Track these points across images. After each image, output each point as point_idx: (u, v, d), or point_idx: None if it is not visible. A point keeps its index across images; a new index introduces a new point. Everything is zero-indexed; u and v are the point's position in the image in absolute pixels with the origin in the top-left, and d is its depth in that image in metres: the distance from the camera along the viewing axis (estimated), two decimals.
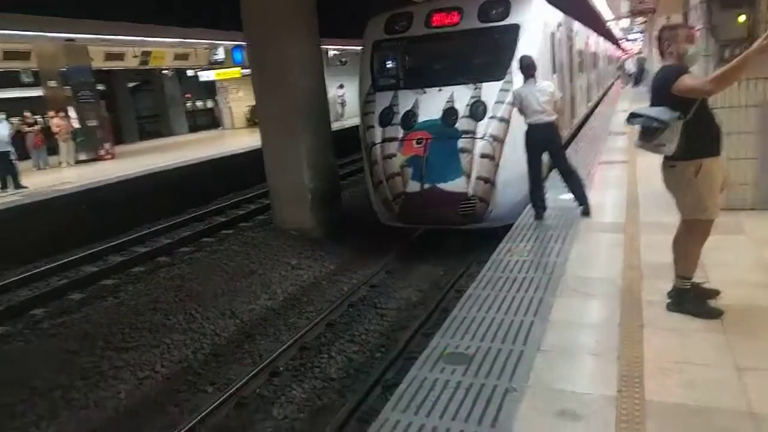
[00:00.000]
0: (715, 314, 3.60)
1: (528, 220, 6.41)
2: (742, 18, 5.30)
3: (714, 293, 3.84)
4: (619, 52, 42.91)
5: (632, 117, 3.59)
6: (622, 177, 7.87)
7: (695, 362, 3.14)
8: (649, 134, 3.49)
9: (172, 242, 10.39)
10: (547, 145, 6.33)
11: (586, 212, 6.21)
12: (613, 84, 33.32)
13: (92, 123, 16.25)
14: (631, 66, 33.21)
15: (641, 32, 27.98)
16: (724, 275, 4.21)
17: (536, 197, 6.46)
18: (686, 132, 3.36)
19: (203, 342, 6.32)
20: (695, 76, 3.38)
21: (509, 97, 7.84)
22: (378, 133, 8.37)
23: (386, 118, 8.40)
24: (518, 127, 7.69)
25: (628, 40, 36.20)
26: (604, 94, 25.13)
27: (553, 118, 6.21)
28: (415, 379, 3.27)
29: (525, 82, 6.32)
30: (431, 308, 6.64)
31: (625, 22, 24.31)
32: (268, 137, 10.22)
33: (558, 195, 6.98)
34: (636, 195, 6.66)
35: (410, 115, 8.23)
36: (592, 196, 6.95)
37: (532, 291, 4.32)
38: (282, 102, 9.65)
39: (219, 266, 8.33)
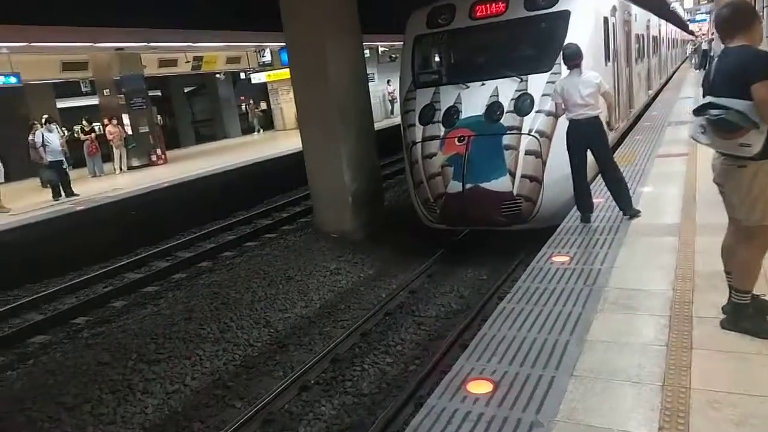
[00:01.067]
0: None
1: (573, 222, 5.97)
2: None
3: None
4: (684, 35, 40.79)
5: (709, 107, 3.00)
6: (681, 172, 7.26)
7: (752, 393, 2.70)
8: (726, 130, 2.93)
9: (216, 246, 10.44)
10: (591, 143, 5.75)
11: (633, 216, 5.69)
12: (678, 68, 31.67)
13: (144, 129, 16.67)
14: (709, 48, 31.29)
15: (707, 12, 26.36)
16: None
17: (581, 198, 5.97)
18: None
19: (236, 353, 6.21)
20: None
21: None
22: (418, 132, 8.09)
23: (427, 116, 8.11)
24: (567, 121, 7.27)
25: (694, 21, 34.22)
26: (668, 80, 23.85)
27: (597, 112, 5.65)
28: (432, 410, 2.97)
29: (570, 72, 5.76)
30: (471, 316, 6.29)
31: (689, 3, 22.88)
32: (308, 138, 10.09)
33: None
34: (694, 193, 6.09)
35: (452, 112, 7.90)
36: (647, 194, 6.46)
37: (570, 305, 3.93)
38: (322, 102, 9.48)
39: (258, 272, 8.24)
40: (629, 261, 4.60)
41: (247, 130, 30.20)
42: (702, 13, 29.24)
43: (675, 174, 7.28)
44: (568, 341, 3.42)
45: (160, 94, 28.42)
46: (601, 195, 6.67)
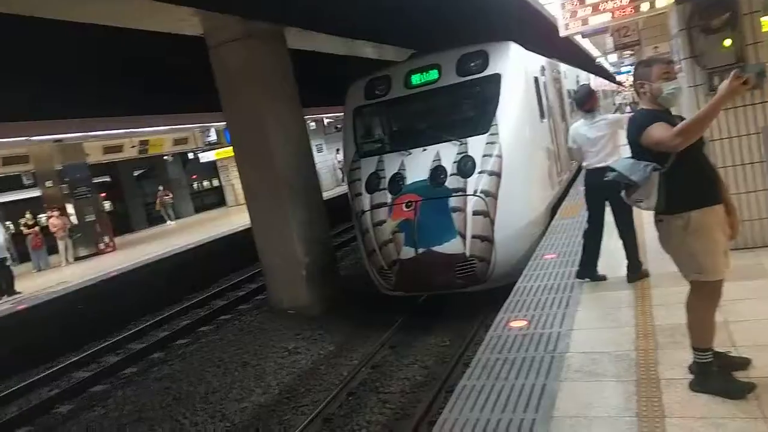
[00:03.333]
0: (746, 391, 2.99)
1: (529, 281, 5.85)
2: (727, 42, 4.92)
3: (744, 363, 3.25)
4: (613, 86, 42.78)
5: (609, 171, 3.23)
6: None
7: None
8: (626, 189, 3.12)
9: (168, 335, 9.92)
10: (610, 193, 5.04)
11: (635, 278, 5.15)
12: None
13: (90, 218, 16.17)
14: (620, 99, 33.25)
15: (631, 64, 27.91)
16: (753, 335, 3.63)
17: (590, 252, 5.39)
18: (667, 183, 2.91)
19: None
20: (665, 126, 2.91)
21: (497, 150, 7.51)
22: (366, 200, 8.05)
23: (373, 184, 8.09)
24: (511, 180, 7.33)
25: (620, 73, 36.05)
26: None
27: (615, 158, 4.92)
28: None
29: (583, 117, 5.36)
30: (437, 389, 6.03)
31: (614, 57, 24.19)
32: (256, 214, 9.89)
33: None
34: (643, 241, 6.10)
35: (397, 179, 7.91)
36: None
37: (533, 376, 3.75)
38: (267, 177, 9.37)
39: (212, 360, 7.81)
40: (588, 321, 4.48)
41: (200, 208, 29.77)
42: (627, 65, 30.79)
43: None
44: (534, 420, 3.21)
45: (108, 179, 27.92)
46: (554, 250, 6.65)
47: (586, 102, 5.38)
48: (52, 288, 11.60)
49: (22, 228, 15.16)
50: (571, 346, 4.08)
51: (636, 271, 5.19)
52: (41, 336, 9.72)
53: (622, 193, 3.21)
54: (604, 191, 5.13)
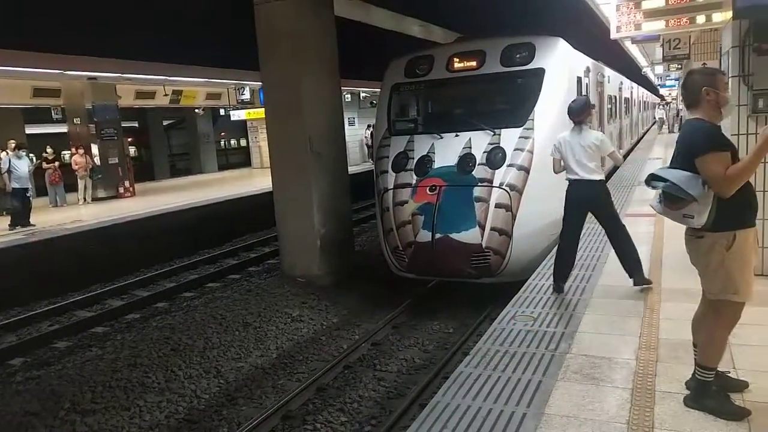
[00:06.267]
0: (741, 415, 2.96)
1: (540, 280, 5.81)
2: None
3: (741, 385, 3.23)
4: (655, 98, 41.98)
5: (653, 179, 3.02)
6: (649, 233, 7.22)
7: None
8: (672, 201, 2.93)
9: (175, 286, 10.04)
10: (592, 207, 5.28)
11: (639, 283, 5.14)
12: (648, 130, 32.62)
13: (113, 160, 16.33)
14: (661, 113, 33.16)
15: (676, 79, 27.31)
16: (756, 360, 3.59)
17: (563, 266, 5.36)
18: (718, 201, 2.80)
19: (180, 405, 5.81)
20: (722, 162, 2.76)
21: (529, 145, 7.41)
22: (390, 179, 8.02)
23: (400, 164, 8.07)
24: (539, 177, 7.21)
25: (664, 87, 35.37)
26: (639, 140, 24.44)
27: (596, 176, 5.10)
28: None
29: (572, 128, 5.24)
30: (433, 373, 6.03)
31: (660, 69, 23.70)
32: (279, 179, 9.86)
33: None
34: (660, 255, 6.00)
35: (425, 161, 7.88)
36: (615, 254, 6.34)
37: (530, 372, 3.73)
38: (295, 141, 9.31)
39: (215, 316, 7.86)
40: (594, 325, 4.43)
41: (225, 166, 29.91)
42: (671, 80, 30.22)
43: (642, 235, 7.21)
44: (525, 414, 3.19)
45: (137, 125, 28.20)
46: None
47: (581, 113, 5.20)
48: (66, 225, 11.72)
49: (41, 162, 15.26)
50: (573, 347, 4.04)
51: (640, 274, 5.18)
52: (48, 271, 9.79)
53: (658, 203, 3.06)
54: (586, 204, 5.23)
